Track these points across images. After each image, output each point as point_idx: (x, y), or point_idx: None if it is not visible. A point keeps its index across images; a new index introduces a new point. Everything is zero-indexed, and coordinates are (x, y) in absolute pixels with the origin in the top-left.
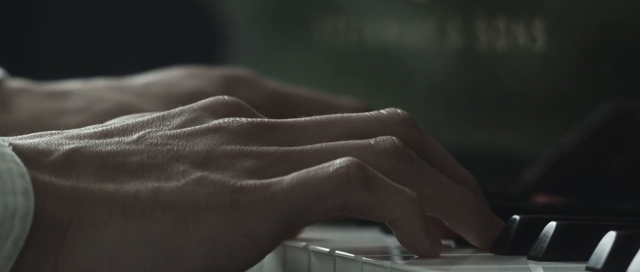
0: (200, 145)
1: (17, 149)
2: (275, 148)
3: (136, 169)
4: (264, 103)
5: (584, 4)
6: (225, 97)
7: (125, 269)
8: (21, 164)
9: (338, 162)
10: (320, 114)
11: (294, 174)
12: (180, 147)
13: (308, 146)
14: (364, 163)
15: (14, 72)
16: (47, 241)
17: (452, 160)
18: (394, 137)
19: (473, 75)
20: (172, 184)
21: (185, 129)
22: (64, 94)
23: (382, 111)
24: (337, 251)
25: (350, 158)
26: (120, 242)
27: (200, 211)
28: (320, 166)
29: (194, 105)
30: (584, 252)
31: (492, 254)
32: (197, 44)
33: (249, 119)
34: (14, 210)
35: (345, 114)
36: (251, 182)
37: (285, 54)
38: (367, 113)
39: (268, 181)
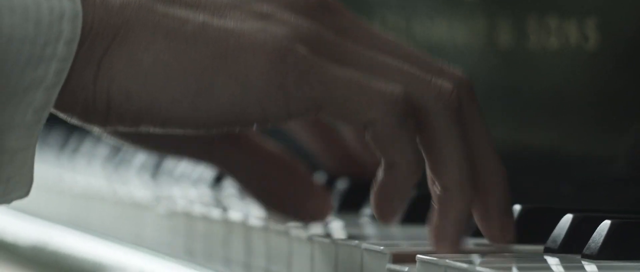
0: (263, 5)
1: None
2: (334, 38)
3: (193, 3)
4: None
5: (637, 2)
6: None
7: (157, 92)
8: None
9: (391, 87)
10: None
11: (352, 72)
12: (243, 2)
13: (366, 52)
14: (413, 92)
15: None
16: (92, 50)
17: (492, 146)
18: (453, 86)
19: (523, 74)
20: (224, 24)
21: None
22: None
23: (448, 65)
24: (391, 249)
25: (400, 88)
26: (157, 63)
27: (242, 52)
28: (377, 81)
29: None
30: (639, 251)
31: (545, 253)
32: None
33: None
34: (61, 13)
35: (411, 49)
36: (305, 49)
37: None
38: (432, 59)
39: (321, 58)
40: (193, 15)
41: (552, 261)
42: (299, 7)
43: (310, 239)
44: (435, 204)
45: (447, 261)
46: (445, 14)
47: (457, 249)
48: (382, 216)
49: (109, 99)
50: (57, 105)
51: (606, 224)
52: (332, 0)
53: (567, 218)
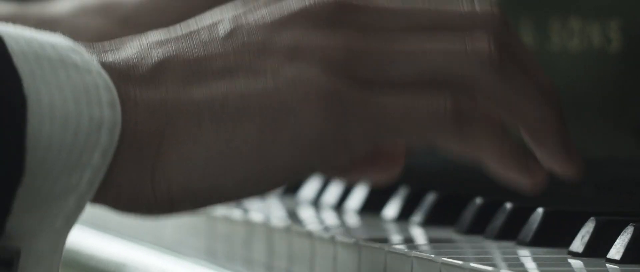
0: (287, 36)
1: (106, 64)
2: (364, 44)
3: (224, 72)
4: None
5: None
6: None
7: (218, 182)
8: (107, 77)
9: (437, 102)
10: None
11: (398, 101)
12: (266, 41)
13: (397, 48)
14: (456, 70)
15: None
16: (143, 155)
17: (539, 66)
18: (488, 38)
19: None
20: (261, 85)
21: (271, 17)
22: (53, 22)
23: (476, 7)
24: (414, 252)
25: (447, 99)
26: (211, 155)
27: (289, 114)
28: (422, 100)
29: None
30: None
31: (568, 257)
32: None
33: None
34: (100, 122)
35: (435, 5)
36: (344, 84)
37: None
38: (458, 8)
39: (363, 89)
40: (230, 86)
41: (576, 264)
42: (320, 20)
43: (332, 239)
44: (533, 143)
45: (471, 264)
46: None
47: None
48: (534, 180)
49: (171, 198)
50: (121, 210)
51: (630, 228)
52: (344, 2)
53: (591, 221)
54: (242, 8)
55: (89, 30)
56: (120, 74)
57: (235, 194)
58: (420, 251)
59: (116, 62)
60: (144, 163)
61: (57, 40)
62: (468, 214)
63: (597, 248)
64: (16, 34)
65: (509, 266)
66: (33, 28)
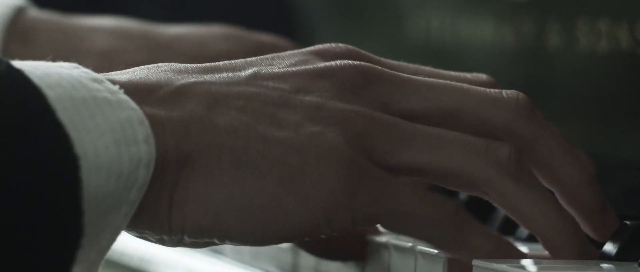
0: (311, 95)
1: (127, 86)
2: (386, 117)
3: (246, 110)
4: None
5: None
6: (336, 44)
7: (228, 226)
8: (138, 108)
9: (444, 206)
10: None
11: (411, 192)
12: (290, 95)
13: (419, 130)
14: (473, 171)
15: None
16: (165, 182)
17: (569, 151)
18: (509, 147)
19: (572, 78)
20: (284, 135)
21: (294, 68)
22: (89, 32)
23: (501, 93)
24: (418, 247)
25: (457, 201)
26: (226, 198)
27: (307, 173)
28: (435, 201)
29: (303, 49)
30: None
31: (600, 260)
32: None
33: (356, 62)
34: (138, 160)
35: (461, 83)
36: (364, 158)
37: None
38: (485, 90)
39: (383, 171)
40: (252, 127)
41: (608, 268)
42: (345, 85)
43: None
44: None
45: (504, 266)
46: (492, 16)
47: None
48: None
49: (183, 231)
50: (138, 232)
51: None
52: (370, 69)
53: (625, 225)
54: (268, 59)
55: (126, 54)
56: (141, 96)
57: (241, 240)
58: (425, 247)
59: (136, 83)
60: (164, 190)
61: (75, 71)
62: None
63: (630, 253)
64: (46, 75)
65: (541, 269)
66: (65, 36)
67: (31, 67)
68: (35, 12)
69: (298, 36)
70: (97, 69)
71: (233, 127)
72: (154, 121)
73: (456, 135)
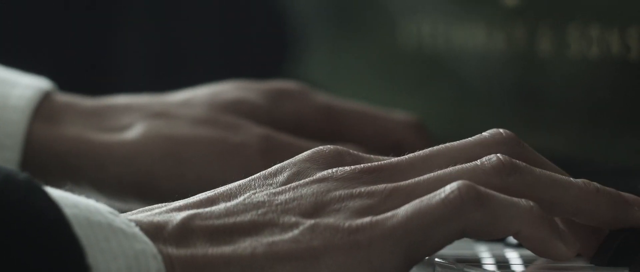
0: (308, 196)
1: (139, 223)
2: (383, 185)
3: (248, 228)
4: (312, 117)
5: None
6: (325, 147)
7: None
8: (151, 243)
9: (448, 187)
10: (371, 129)
11: (407, 206)
12: (288, 201)
13: (416, 178)
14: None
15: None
16: None
17: (563, 173)
18: (498, 154)
19: (563, 83)
20: (287, 235)
21: (290, 184)
22: (108, 110)
23: (484, 134)
24: (436, 259)
25: (459, 181)
26: None
27: (319, 257)
28: (432, 194)
29: (292, 159)
30: None
31: (592, 266)
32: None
33: (352, 166)
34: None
35: (447, 144)
36: (366, 220)
37: (365, 56)
38: (469, 138)
39: (382, 216)
40: (257, 240)
41: None
42: (340, 178)
43: None
44: (581, 221)
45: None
46: (484, 21)
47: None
48: (566, 256)
49: None
50: None
51: None
52: (366, 168)
53: (615, 232)
54: (260, 179)
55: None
56: (151, 234)
57: None
58: (440, 258)
59: (144, 223)
60: None
61: (92, 201)
62: None
63: (622, 258)
64: (64, 196)
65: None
66: (87, 115)
67: (48, 188)
68: (61, 96)
69: (291, 45)
70: (122, 141)
71: (239, 248)
72: (165, 258)
73: (450, 169)
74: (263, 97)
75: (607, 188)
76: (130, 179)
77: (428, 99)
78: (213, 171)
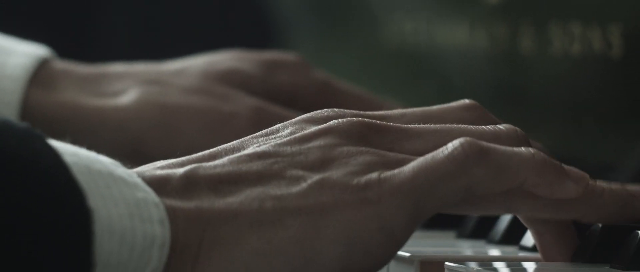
0: (315, 149)
1: (141, 176)
2: (389, 139)
3: (254, 179)
4: (307, 91)
5: None
6: (324, 110)
7: None
8: (153, 193)
9: (451, 144)
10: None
11: (413, 163)
12: (294, 153)
13: (418, 130)
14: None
15: (71, 54)
16: (181, 264)
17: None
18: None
19: (546, 80)
20: (294, 189)
21: (295, 135)
22: (103, 77)
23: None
24: (446, 263)
25: (462, 138)
26: (253, 254)
27: (329, 212)
28: (436, 151)
29: (293, 120)
30: None
31: (573, 263)
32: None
33: (358, 118)
34: (152, 239)
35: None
36: (374, 176)
37: (349, 54)
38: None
39: (389, 172)
40: (264, 191)
41: (581, 270)
42: (350, 137)
43: None
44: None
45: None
46: (466, 19)
47: None
48: (578, 192)
49: None
50: None
51: (636, 234)
52: (373, 122)
53: (596, 228)
54: (263, 135)
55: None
56: (154, 188)
57: None
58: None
59: (147, 177)
60: (183, 269)
61: (92, 153)
62: (470, 220)
63: (601, 255)
64: (64, 145)
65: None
66: (83, 81)
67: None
68: (59, 63)
69: (275, 43)
70: (118, 107)
71: (246, 201)
72: (168, 210)
73: (455, 125)
74: (258, 67)
75: (573, 169)
76: (121, 144)
77: (411, 97)
78: (203, 139)
